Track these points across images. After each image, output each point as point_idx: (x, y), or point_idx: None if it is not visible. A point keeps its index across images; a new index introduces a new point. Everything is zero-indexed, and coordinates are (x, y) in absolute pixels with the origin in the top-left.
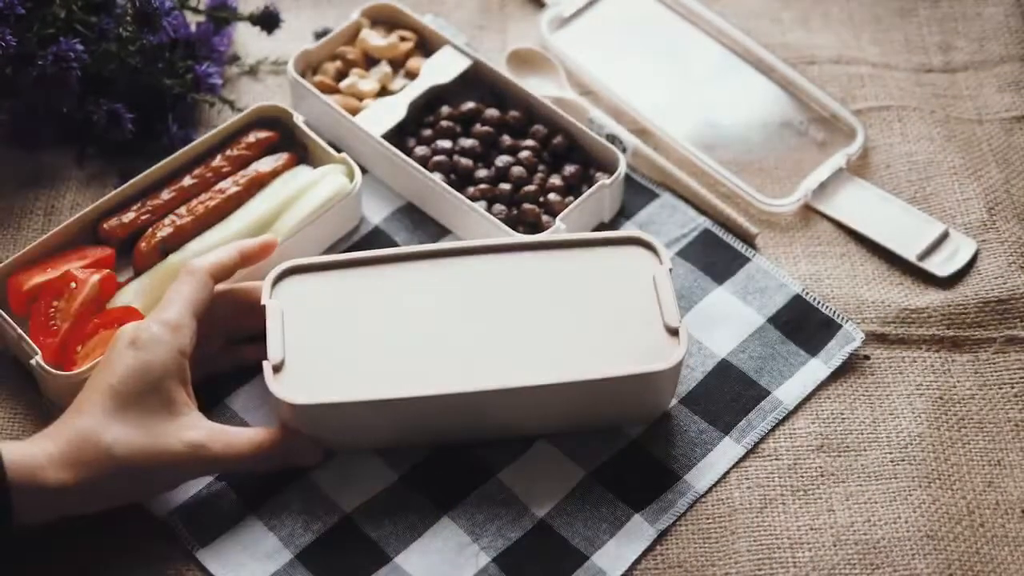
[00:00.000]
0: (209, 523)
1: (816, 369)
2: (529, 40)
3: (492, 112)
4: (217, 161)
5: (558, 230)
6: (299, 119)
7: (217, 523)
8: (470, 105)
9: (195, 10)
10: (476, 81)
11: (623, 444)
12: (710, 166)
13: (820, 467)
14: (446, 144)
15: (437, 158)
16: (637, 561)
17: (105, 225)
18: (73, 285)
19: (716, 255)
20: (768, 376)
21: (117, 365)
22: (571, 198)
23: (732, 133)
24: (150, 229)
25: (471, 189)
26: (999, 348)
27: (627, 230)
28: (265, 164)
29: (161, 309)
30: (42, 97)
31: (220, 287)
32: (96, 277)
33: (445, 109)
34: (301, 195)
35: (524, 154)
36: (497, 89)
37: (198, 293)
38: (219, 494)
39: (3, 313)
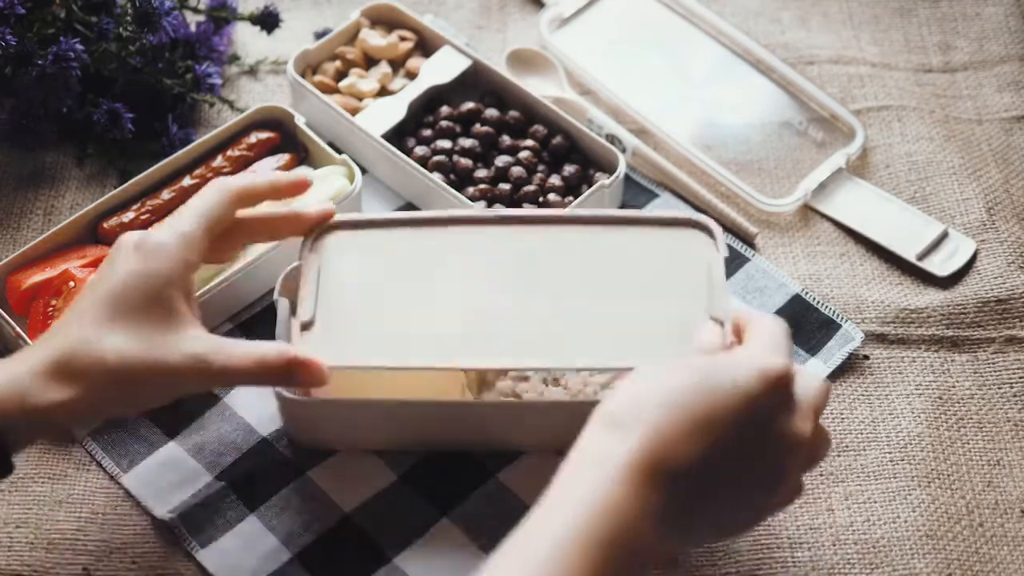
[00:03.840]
0: (209, 523)
1: (816, 369)
2: (529, 40)
3: (492, 112)
4: (218, 161)
5: None
6: (300, 120)
7: (217, 523)
8: (470, 105)
9: (195, 10)
10: (476, 81)
11: None
12: (709, 166)
13: (819, 466)
14: (446, 144)
15: (437, 158)
16: None
17: (105, 225)
18: (71, 284)
19: None
20: None
21: (119, 269)
22: (571, 198)
23: (731, 133)
24: (149, 229)
25: (471, 189)
26: (998, 348)
27: (684, 212)
28: (265, 165)
29: (175, 218)
30: (42, 97)
31: (244, 212)
32: (95, 276)
33: (445, 109)
34: (301, 196)
35: (524, 154)
36: (496, 89)
37: (218, 210)
38: (219, 494)
39: (2, 312)
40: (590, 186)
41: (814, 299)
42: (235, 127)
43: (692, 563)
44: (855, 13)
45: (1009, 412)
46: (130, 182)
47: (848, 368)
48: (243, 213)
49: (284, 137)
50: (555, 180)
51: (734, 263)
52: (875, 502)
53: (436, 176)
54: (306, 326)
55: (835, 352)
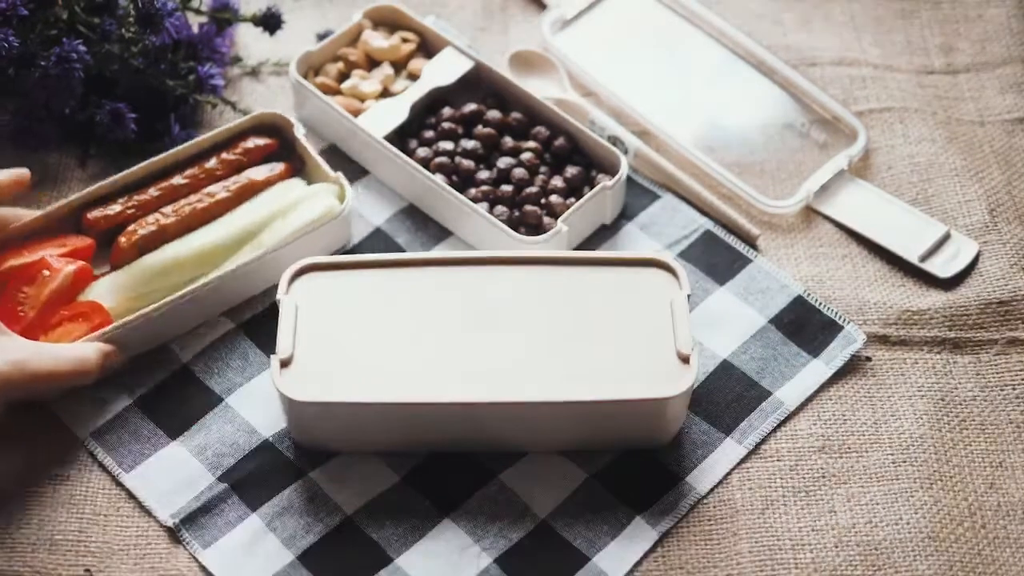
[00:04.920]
0: (211, 524)
1: (818, 370)
2: (531, 42)
3: (494, 114)
4: (211, 163)
5: (560, 231)
6: (300, 131)
7: (219, 524)
8: (472, 107)
9: (197, 11)
10: (478, 83)
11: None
12: (712, 168)
13: (822, 468)
14: (448, 146)
15: (439, 159)
16: (639, 563)
17: (89, 215)
18: (46, 273)
19: (718, 256)
20: (770, 377)
21: None
22: (573, 200)
23: (734, 135)
24: (132, 225)
25: (473, 191)
26: (1000, 350)
27: (650, 252)
28: (259, 172)
29: None
30: (45, 98)
31: None
32: (70, 268)
33: (447, 111)
34: (289, 211)
35: (526, 156)
36: (499, 91)
37: None
38: (221, 495)
39: None
40: (592, 187)
41: (816, 300)
42: (234, 130)
43: (695, 564)
44: (857, 15)
45: (1011, 414)
46: (119, 175)
47: (850, 370)
48: None
49: (282, 144)
50: (557, 182)
51: (736, 264)
52: (877, 504)
53: (438, 177)
54: (285, 363)
55: (837, 354)
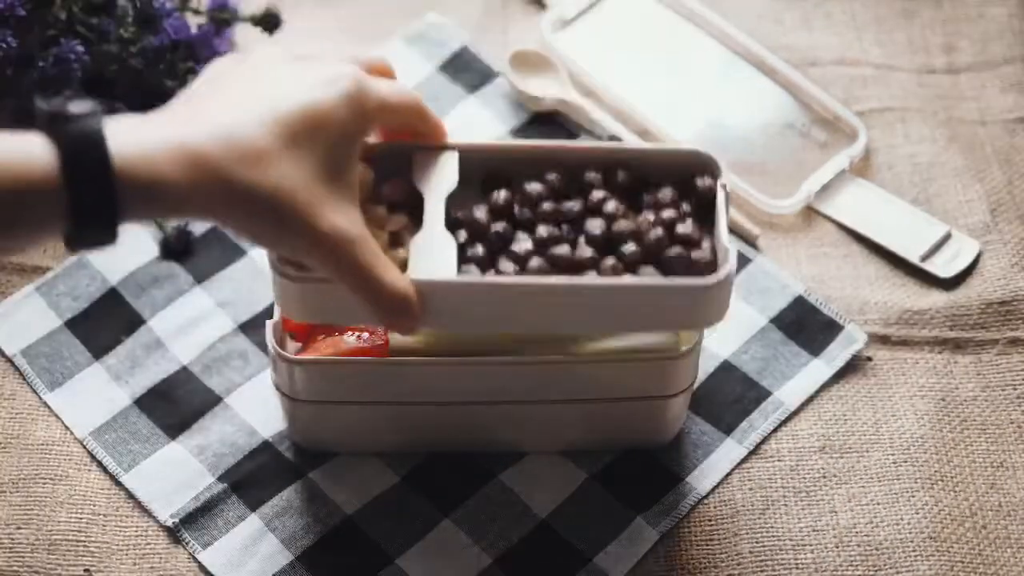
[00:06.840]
0: (210, 524)
1: (818, 370)
2: (531, 41)
3: (533, 186)
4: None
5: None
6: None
7: (218, 524)
8: (502, 194)
9: (196, 11)
10: (471, 167)
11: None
12: None
13: (822, 468)
14: (526, 241)
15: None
16: (639, 563)
17: None
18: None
19: None
20: (770, 377)
21: (326, 96)
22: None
23: (734, 135)
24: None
25: (607, 261)
26: (1002, 350)
27: None
28: None
29: (380, 81)
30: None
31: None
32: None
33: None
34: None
35: (598, 196)
36: (495, 160)
37: (407, 102)
38: (220, 495)
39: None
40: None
41: (817, 300)
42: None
43: (695, 565)
44: (858, 14)
45: (1012, 414)
46: None
47: (851, 370)
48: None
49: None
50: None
51: (736, 264)
52: (878, 504)
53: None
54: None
55: (838, 354)
